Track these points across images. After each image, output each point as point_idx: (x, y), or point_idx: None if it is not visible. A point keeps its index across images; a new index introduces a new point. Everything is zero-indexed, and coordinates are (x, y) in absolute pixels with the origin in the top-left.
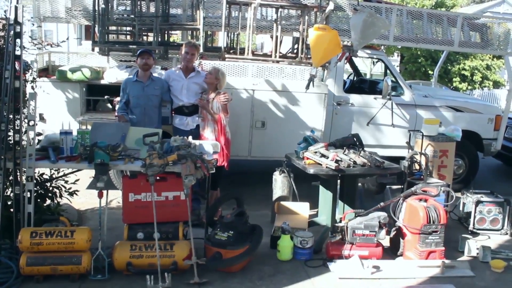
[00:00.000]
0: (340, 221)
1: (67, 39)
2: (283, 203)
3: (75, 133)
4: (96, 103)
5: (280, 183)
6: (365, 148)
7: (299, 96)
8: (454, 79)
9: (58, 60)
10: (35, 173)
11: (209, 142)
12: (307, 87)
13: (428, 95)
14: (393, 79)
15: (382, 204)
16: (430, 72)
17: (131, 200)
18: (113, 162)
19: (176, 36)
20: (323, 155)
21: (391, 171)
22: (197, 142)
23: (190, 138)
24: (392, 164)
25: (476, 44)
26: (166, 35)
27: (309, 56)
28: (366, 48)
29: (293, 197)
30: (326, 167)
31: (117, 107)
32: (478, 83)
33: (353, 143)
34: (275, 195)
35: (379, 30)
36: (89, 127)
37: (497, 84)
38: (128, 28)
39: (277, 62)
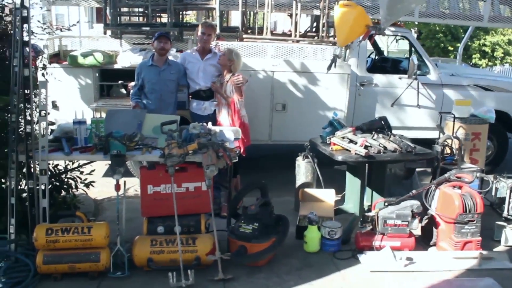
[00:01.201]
0: (370, 210)
1: (78, 22)
2: (307, 190)
3: (89, 122)
4: (110, 88)
5: (303, 169)
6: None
7: (321, 77)
8: (474, 56)
9: (71, 44)
10: (49, 164)
11: (230, 129)
12: (329, 67)
13: (455, 73)
14: (419, 57)
15: (414, 191)
16: (449, 48)
17: (149, 193)
18: (130, 152)
19: (190, 16)
20: (351, 141)
21: (424, 156)
22: (217, 128)
23: (209, 124)
24: (424, 149)
25: (507, 19)
26: (180, 16)
27: (330, 35)
28: (390, 25)
29: (317, 183)
30: (355, 153)
31: (131, 92)
32: (499, 59)
33: (381, 126)
34: (299, 182)
35: (409, 5)
36: (104, 115)
37: None
38: (141, 9)
39: (297, 41)
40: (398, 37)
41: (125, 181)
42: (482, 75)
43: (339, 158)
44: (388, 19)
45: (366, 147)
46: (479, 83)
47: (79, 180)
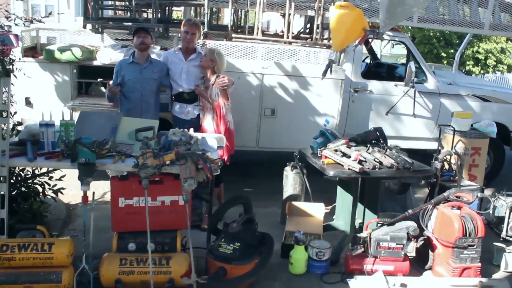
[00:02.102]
0: (361, 229)
1: (50, 14)
2: (295, 203)
3: (58, 124)
4: (88, 86)
5: (291, 180)
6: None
7: (313, 81)
8: (467, 63)
9: (60, 37)
10: (13, 169)
11: (213, 136)
12: (324, 74)
13: (453, 82)
14: (416, 64)
15: (410, 211)
16: (443, 54)
17: (121, 206)
18: (101, 160)
19: (180, 13)
20: (344, 154)
21: (422, 174)
22: (199, 135)
23: (191, 130)
24: (422, 165)
25: (507, 27)
26: (167, 11)
27: (325, 37)
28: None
29: (306, 195)
30: (349, 168)
31: (107, 91)
32: (492, 67)
33: (376, 138)
34: (286, 193)
35: (410, 9)
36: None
37: (510, 68)
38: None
39: (290, 43)
40: (394, 42)
41: (93, 192)
42: (480, 85)
43: (331, 173)
44: (387, 23)
45: (360, 161)
46: (477, 93)
47: (47, 187)
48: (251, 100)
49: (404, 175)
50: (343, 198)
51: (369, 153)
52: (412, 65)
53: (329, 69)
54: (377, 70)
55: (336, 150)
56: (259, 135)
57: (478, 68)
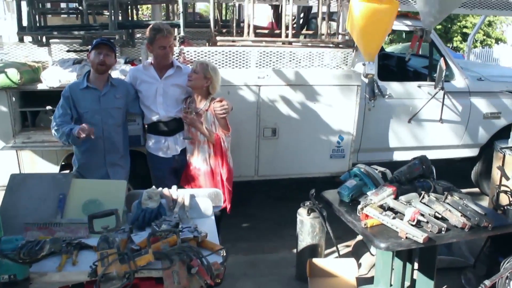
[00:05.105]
0: None
1: None
2: (317, 261)
3: None
4: (35, 116)
5: (308, 227)
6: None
7: (322, 90)
8: (454, 39)
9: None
10: None
11: (205, 192)
12: (372, 94)
13: (483, 77)
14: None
15: (487, 282)
16: None
17: None
18: (37, 266)
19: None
20: (393, 212)
21: (503, 230)
22: (186, 195)
23: (174, 188)
24: (498, 215)
25: None
26: (130, 12)
27: (332, 32)
28: (403, 18)
29: (327, 242)
30: (406, 237)
31: (53, 122)
32: (480, 41)
33: (422, 173)
34: (302, 243)
35: None
36: (27, 157)
37: (497, 42)
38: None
39: (289, 43)
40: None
41: None
42: None
43: (382, 246)
44: (437, 17)
45: (418, 221)
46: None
47: None
48: (246, 119)
49: (479, 236)
50: (386, 258)
51: (424, 203)
52: (442, 62)
53: (376, 86)
54: (387, 64)
55: (382, 207)
56: (258, 162)
57: (466, 43)
